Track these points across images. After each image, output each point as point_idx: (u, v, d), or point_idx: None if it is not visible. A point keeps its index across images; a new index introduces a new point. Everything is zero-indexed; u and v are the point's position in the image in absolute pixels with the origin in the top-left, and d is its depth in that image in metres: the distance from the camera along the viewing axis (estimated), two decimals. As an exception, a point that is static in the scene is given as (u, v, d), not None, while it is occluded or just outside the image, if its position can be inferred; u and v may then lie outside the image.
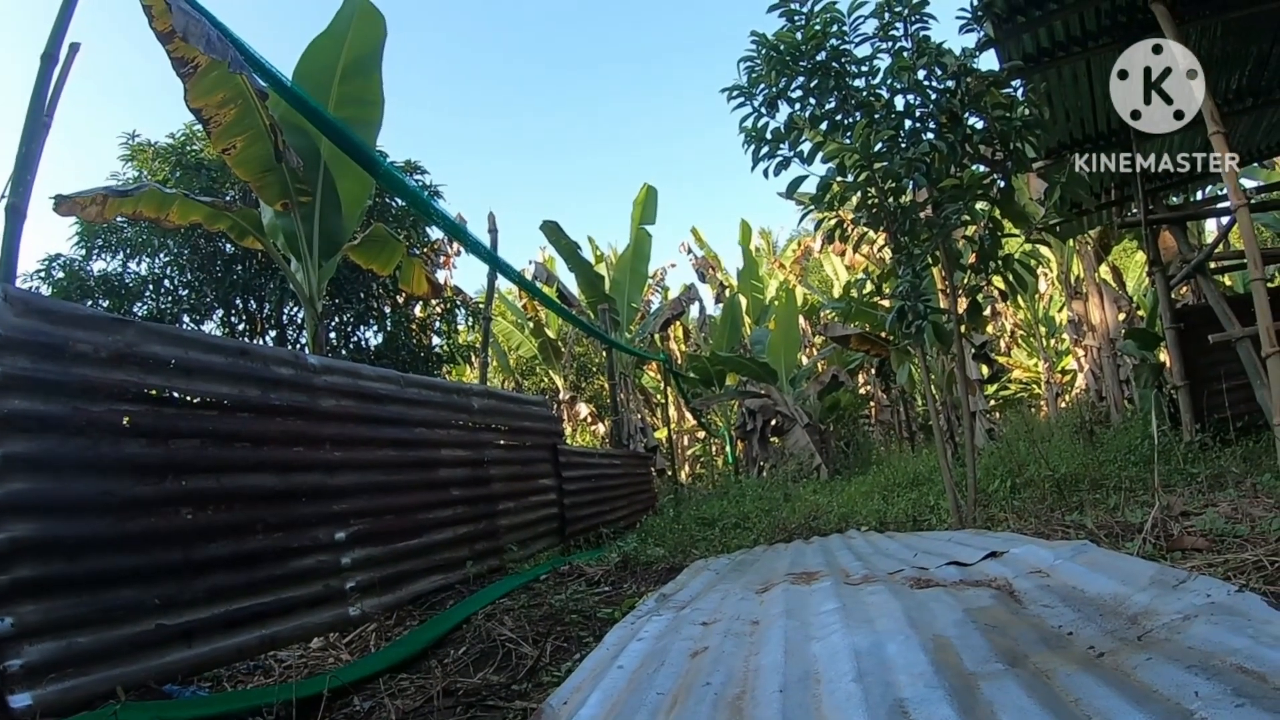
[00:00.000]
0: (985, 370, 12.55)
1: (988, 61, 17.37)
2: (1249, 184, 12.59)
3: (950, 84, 4.76)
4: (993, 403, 17.77)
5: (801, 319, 19.90)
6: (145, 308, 9.89)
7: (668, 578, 4.04)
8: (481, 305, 11.79)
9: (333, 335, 11.32)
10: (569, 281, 16.61)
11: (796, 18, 4.84)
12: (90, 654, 2.24)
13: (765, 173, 4.98)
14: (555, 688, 2.11)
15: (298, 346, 10.63)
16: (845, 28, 4.78)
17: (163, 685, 2.51)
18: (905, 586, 2.49)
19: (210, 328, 10.53)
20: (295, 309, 10.93)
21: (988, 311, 18.44)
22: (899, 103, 4.90)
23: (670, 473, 16.05)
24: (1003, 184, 4.93)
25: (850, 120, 4.88)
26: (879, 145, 4.68)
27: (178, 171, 9.76)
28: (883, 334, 12.59)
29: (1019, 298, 13.40)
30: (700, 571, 3.89)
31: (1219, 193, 9.05)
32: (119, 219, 7.99)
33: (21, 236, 2.98)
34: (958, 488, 5.02)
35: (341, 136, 5.02)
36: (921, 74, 4.77)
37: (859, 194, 4.95)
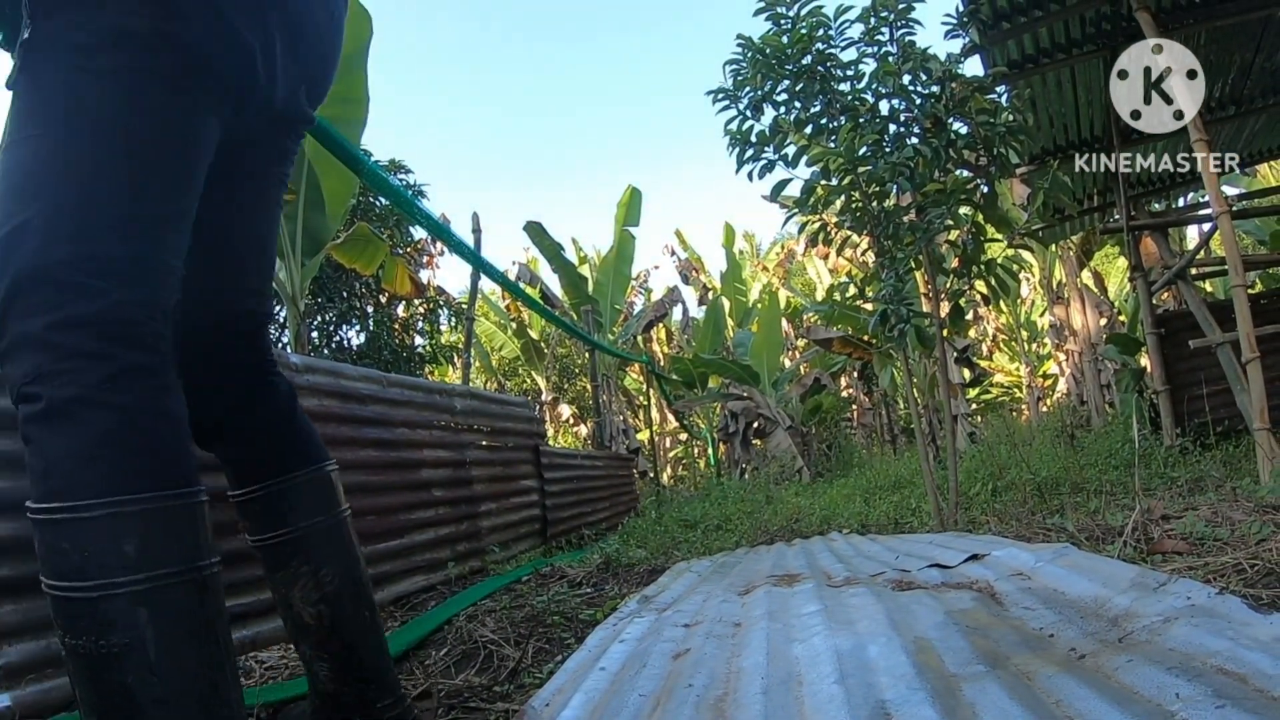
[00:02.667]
0: (967, 374, 12.62)
1: (972, 67, 17.53)
2: (1231, 191, 12.75)
3: (935, 89, 4.78)
4: (974, 406, 17.87)
5: (784, 322, 19.94)
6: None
7: (650, 579, 4.03)
8: (465, 305, 11.76)
9: (315, 334, 11.25)
10: (552, 283, 16.59)
11: (783, 21, 4.85)
12: (68, 654, 2.20)
13: (750, 176, 4.98)
14: (537, 689, 2.10)
15: (280, 345, 10.56)
16: (831, 32, 4.80)
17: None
18: (887, 589, 2.49)
19: (191, 326, 10.43)
20: (278, 308, 10.87)
21: (970, 316, 18.54)
22: (884, 107, 4.92)
23: (652, 474, 16.04)
24: (986, 189, 4.95)
25: (835, 124, 4.89)
26: (863, 149, 4.69)
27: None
28: (865, 337, 12.63)
29: (1001, 302, 13.48)
30: (682, 573, 3.88)
31: (1201, 199, 9.14)
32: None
33: None
34: (939, 490, 5.03)
35: (325, 135, 4.99)
36: (907, 79, 4.78)
37: (843, 198, 4.96)
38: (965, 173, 5.10)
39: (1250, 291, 5.84)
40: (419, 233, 12.58)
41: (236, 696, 1.11)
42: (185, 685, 1.01)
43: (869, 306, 8.52)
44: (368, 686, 1.52)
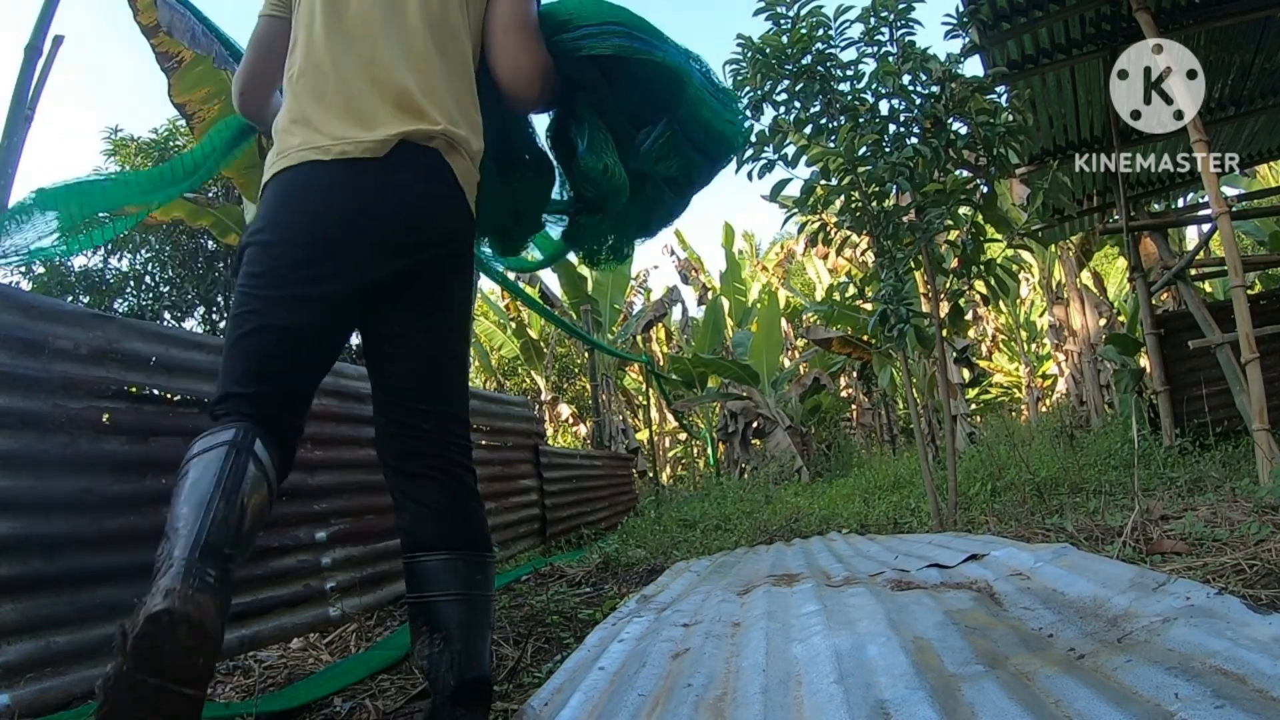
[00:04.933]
0: (966, 374, 12.61)
1: (972, 68, 17.50)
2: (1230, 192, 12.74)
3: (935, 89, 4.78)
4: (974, 406, 17.85)
5: (784, 322, 19.91)
6: (126, 304, 9.80)
7: (649, 579, 4.03)
8: (464, 305, 11.72)
9: (314, 333, 11.20)
10: (551, 282, 16.58)
11: (783, 21, 4.85)
12: (69, 654, 2.20)
13: (750, 175, 4.99)
14: (536, 689, 2.10)
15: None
16: (831, 32, 4.80)
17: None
18: (886, 589, 2.49)
19: (192, 325, 10.44)
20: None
21: (969, 316, 18.54)
22: (883, 107, 4.93)
23: (651, 474, 16.04)
24: (985, 189, 4.96)
25: (835, 124, 4.89)
26: (863, 149, 4.69)
27: (160, 167, 9.66)
28: (865, 337, 12.63)
29: (1000, 302, 13.46)
30: (681, 573, 3.88)
31: (1200, 200, 9.13)
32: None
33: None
34: (938, 491, 5.04)
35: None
36: (906, 79, 4.79)
37: (842, 198, 4.96)
38: (964, 173, 5.10)
39: (1249, 292, 5.84)
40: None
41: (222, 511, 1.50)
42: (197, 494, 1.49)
43: (868, 306, 8.52)
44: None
